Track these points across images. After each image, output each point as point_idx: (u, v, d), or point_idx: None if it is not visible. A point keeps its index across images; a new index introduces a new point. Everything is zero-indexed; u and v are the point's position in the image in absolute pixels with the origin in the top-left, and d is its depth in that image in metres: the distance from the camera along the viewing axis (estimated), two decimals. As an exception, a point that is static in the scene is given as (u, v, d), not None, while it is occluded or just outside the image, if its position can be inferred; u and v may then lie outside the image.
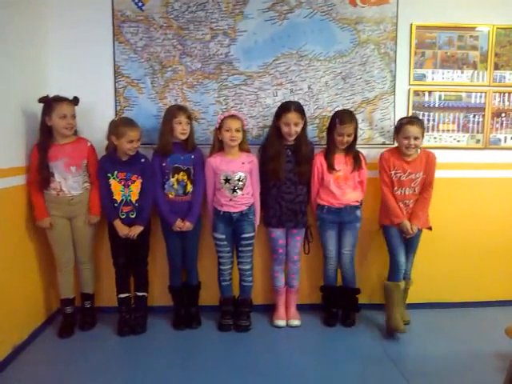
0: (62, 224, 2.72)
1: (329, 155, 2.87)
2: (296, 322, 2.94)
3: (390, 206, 2.86)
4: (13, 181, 2.54)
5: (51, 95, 2.64)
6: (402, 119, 2.89)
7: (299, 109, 2.79)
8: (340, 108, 3.03)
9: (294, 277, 3.00)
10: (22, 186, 2.64)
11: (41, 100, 2.60)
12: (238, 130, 2.74)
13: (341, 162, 2.87)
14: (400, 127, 2.83)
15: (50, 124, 2.62)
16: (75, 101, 2.70)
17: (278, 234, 2.93)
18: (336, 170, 2.85)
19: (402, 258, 2.87)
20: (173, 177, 2.77)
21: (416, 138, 2.77)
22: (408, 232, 2.83)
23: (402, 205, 2.88)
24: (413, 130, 2.77)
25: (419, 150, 2.90)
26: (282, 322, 2.94)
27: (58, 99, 2.62)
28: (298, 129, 2.78)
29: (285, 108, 2.78)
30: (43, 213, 2.67)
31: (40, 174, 2.61)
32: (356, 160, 2.86)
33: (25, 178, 2.66)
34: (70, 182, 2.69)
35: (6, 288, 2.43)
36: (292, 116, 2.75)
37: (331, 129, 2.86)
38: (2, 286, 2.40)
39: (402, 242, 2.90)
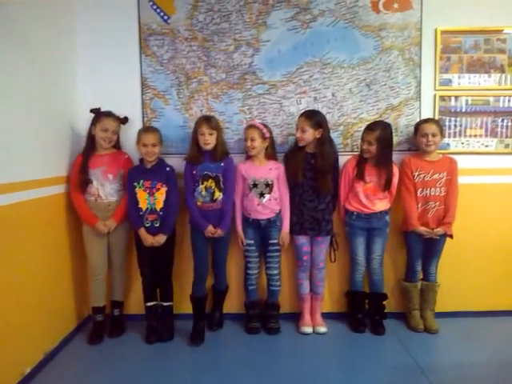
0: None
1: (360, 164, 2.87)
2: (323, 329, 2.93)
3: (407, 211, 2.91)
4: (54, 190, 2.67)
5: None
6: (418, 121, 2.96)
7: (308, 115, 2.81)
8: (364, 115, 3.04)
9: (319, 284, 3.00)
10: (61, 194, 2.77)
11: (92, 111, 2.80)
12: (253, 140, 2.81)
13: (372, 173, 2.86)
14: (417, 127, 2.92)
15: (93, 133, 2.78)
16: (123, 120, 2.88)
17: (302, 241, 2.94)
18: (365, 182, 2.86)
19: (417, 262, 2.98)
20: (202, 184, 2.79)
21: (434, 135, 2.83)
22: (430, 234, 2.87)
23: (425, 207, 2.89)
24: (429, 127, 2.85)
25: (441, 156, 2.93)
26: (308, 329, 2.94)
27: (106, 114, 2.80)
28: (306, 136, 2.79)
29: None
30: (93, 219, 2.75)
31: (80, 176, 2.73)
32: (388, 176, 2.82)
33: (65, 187, 2.79)
34: (107, 188, 2.79)
35: (40, 295, 2.50)
36: (298, 121, 2.84)
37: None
38: (37, 293, 2.47)
39: (420, 246, 2.95)
